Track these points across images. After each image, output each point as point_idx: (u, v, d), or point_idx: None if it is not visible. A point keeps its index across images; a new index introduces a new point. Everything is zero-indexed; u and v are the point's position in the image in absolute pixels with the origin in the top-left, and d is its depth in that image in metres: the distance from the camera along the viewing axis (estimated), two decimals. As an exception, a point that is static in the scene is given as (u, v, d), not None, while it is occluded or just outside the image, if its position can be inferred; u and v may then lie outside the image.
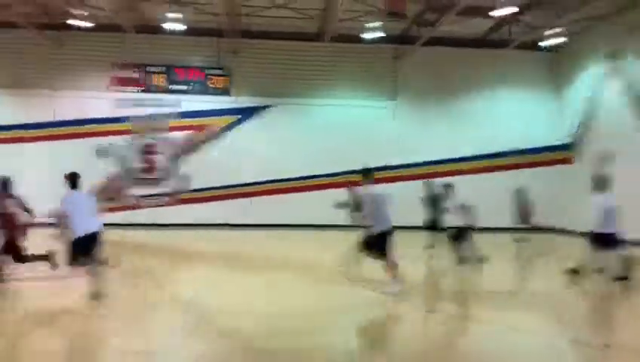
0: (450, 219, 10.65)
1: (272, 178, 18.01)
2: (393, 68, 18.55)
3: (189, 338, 5.83)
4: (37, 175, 16.75)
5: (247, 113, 18.20)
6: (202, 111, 18.02)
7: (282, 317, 6.65)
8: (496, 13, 14.41)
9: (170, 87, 17.78)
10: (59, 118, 17.28)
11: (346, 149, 17.68)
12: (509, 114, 18.66)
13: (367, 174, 8.07)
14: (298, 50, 18.14)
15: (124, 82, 17.56)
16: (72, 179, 7.48)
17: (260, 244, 14.46)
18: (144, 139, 17.75)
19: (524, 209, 12.98)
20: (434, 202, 11.65)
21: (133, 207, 17.61)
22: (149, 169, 17.83)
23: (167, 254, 12.82)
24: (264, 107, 18.22)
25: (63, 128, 17.27)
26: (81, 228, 7.13)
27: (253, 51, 18.04)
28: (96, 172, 17.16)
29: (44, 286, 8.22)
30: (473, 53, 18.45)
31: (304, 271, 10.12)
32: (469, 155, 18.37)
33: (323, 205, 16.85)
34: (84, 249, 7.13)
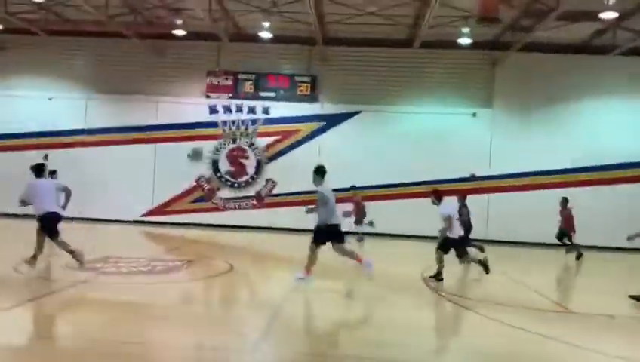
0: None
1: (357, 185, 17.97)
2: (488, 74, 17.91)
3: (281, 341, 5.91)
4: (138, 175, 17.92)
5: (333, 120, 18.32)
6: (289, 117, 18.37)
7: (367, 326, 6.58)
8: (602, 16, 13.50)
9: (259, 93, 18.28)
10: (161, 121, 18.29)
11: (434, 158, 17.29)
12: (613, 124, 17.41)
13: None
14: (387, 56, 18.00)
15: (218, 89, 18.28)
16: (37, 169, 9.16)
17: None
18: (234, 143, 18.38)
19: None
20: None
21: (220, 209, 18.28)
22: (237, 172, 18.44)
23: (257, 256, 13.16)
24: (351, 114, 18.24)
25: (162, 132, 18.25)
26: (40, 210, 8.74)
27: (341, 58, 18.15)
28: (189, 174, 18.15)
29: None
30: (574, 60, 17.40)
31: (390, 281, 9.96)
32: (569, 167, 17.36)
33: (408, 214, 16.83)
34: (45, 228, 8.76)
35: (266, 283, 10.09)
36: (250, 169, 18.45)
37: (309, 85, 18.23)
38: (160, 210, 18.29)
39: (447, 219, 9.46)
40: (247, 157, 18.45)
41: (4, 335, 5.66)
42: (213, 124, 18.35)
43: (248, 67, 18.31)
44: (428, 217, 11.13)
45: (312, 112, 18.34)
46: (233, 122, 18.38)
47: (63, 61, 18.48)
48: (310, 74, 18.29)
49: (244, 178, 18.46)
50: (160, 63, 18.31)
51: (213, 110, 18.33)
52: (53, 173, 11.05)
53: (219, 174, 18.41)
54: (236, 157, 18.46)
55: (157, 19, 16.53)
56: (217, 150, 18.43)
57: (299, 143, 18.31)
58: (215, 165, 18.42)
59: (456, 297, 8.60)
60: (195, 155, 18.22)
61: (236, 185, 18.47)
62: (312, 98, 18.24)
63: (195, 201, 18.35)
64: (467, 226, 11.86)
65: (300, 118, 18.33)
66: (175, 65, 18.36)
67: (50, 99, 18.26)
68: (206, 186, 18.36)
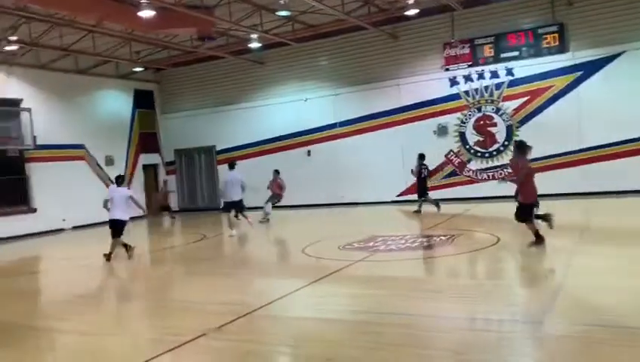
0: None
1: (621, 139, 15.79)
2: None
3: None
4: (387, 159, 18.72)
5: (588, 68, 16.32)
6: (535, 75, 16.96)
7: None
8: None
9: (500, 55, 17.31)
10: (404, 103, 18.74)
11: None
12: None
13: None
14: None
15: (456, 59, 17.90)
16: (117, 179, 11.63)
17: (611, 215, 12.87)
18: (479, 112, 17.82)
19: None
20: None
21: (474, 181, 17.93)
22: (486, 142, 17.83)
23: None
24: (611, 57, 16.01)
25: (407, 113, 18.69)
26: (111, 214, 11.04)
27: (589, -2, 16.08)
28: (438, 150, 18.23)
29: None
30: None
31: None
32: None
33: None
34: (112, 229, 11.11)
35: (537, 254, 9.54)
36: (501, 136, 17.65)
37: (555, 35, 16.54)
38: (414, 188, 18.76)
39: None
40: (495, 125, 17.69)
41: (307, 310, 6.49)
42: (456, 96, 18.04)
43: (485, 31, 17.49)
44: None
45: (563, 64, 16.61)
46: (476, 90, 17.79)
47: (311, 64, 20.29)
48: (555, 22, 16.60)
49: (495, 146, 17.74)
50: (396, 46, 18.72)
51: (453, 82, 18.02)
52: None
53: (467, 146, 18.06)
54: (483, 126, 17.85)
55: (389, 4, 16.92)
56: (463, 122, 18.09)
57: (552, 101, 16.79)
58: (462, 137, 18.12)
59: None
60: (441, 131, 18.20)
61: (487, 154, 17.87)
62: (560, 48, 16.51)
63: (447, 176, 18.34)
64: None
65: (550, 73, 16.76)
66: (411, 45, 18.55)
67: (305, 100, 20.25)
68: (455, 160, 18.20)
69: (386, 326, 5.50)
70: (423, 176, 16.07)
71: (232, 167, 14.66)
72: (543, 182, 16.46)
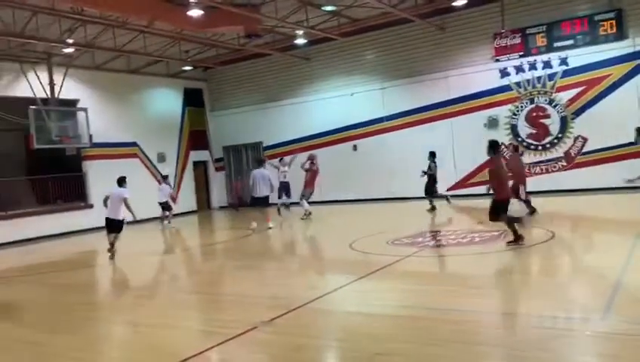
0: None
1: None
2: None
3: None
4: (438, 152, 18.40)
5: (649, 55, 15.55)
6: (593, 63, 16.27)
7: None
8: None
9: (554, 44, 16.71)
10: (453, 96, 18.38)
11: None
12: None
13: None
14: None
15: (506, 50, 17.39)
16: (119, 181, 11.77)
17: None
18: (532, 104, 17.28)
19: None
20: None
21: (527, 175, 17.39)
22: (540, 134, 17.28)
23: (578, 221, 12.18)
24: (673, 44, 15.22)
25: (456, 105, 18.33)
26: (107, 213, 11.58)
27: (651, -21, 15.29)
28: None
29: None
30: None
31: None
32: None
33: None
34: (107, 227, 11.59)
35: (594, 250, 9.19)
36: (554, 128, 17.05)
37: (613, 21, 15.81)
38: (463, 183, 18.42)
39: None
40: (548, 116, 17.10)
41: (356, 304, 6.48)
42: (507, 88, 17.54)
43: (537, 19, 16.91)
44: None
45: (622, 52, 15.87)
46: (528, 81, 17.24)
47: (357, 58, 20.17)
48: (613, 8, 15.88)
49: (548, 139, 17.15)
50: (444, 38, 18.36)
51: (504, 73, 17.51)
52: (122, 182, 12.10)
53: (520, 139, 17.53)
54: (536, 118, 17.28)
55: (436, -5, 16.64)
56: (514, 114, 17.57)
57: (610, 90, 16.08)
58: (514, 130, 17.61)
59: None
60: (492, 123, 17.75)
61: (540, 147, 17.31)
62: (618, 36, 15.78)
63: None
64: None
65: (607, 62, 16.04)
66: (459, 37, 18.15)
67: (352, 94, 20.16)
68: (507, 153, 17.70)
69: (436, 322, 5.42)
70: (431, 173, 15.85)
71: (260, 164, 15.22)
72: (601, 175, 16.03)
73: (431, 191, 15.89)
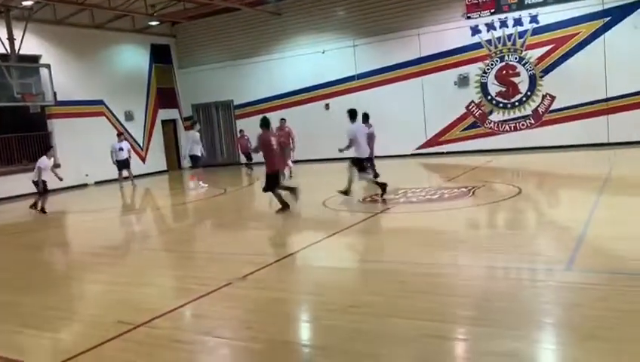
0: None
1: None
2: None
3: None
4: (407, 112, 18.50)
5: (621, 13, 15.70)
6: (564, 20, 16.41)
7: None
8: None
9: (525, 1, 16.73)
10: (424, 53, 18.33)
11: None
12: None
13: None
14: None
15: (478, 7, 17.35)
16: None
17: (636, 165, 12.67)
18: (501, 62, 17.39)
19: None
20: None
21: (495, 133, 17.69)
22: (508, 92, 17.47)
23: (544, 178, 12.49)
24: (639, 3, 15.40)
25: (427, 63, 18.32)
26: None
27: None
28: (458, 102, 17.94)
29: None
30: None
31: None
32: None
33: None
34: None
35: (559, 205, 9.49)
36: (523, 86, 17.26)
37: (584, -21, 15.92)
38: (434, 141, 18.61)
39: None
40: (518, 75, 17.29)
41: (329, 260, 6.59)
42: (478, 46, 17.60)
43: (510, -24, 16.88)
44: None
45: (590, 10, 16.04)
46: (498, 39, 17.32)
47: (329, 14, 19.84)
48: (584, -35, 15.93)
49: (518, 97, 17.39)
50: (417, -6, 18.19)
51: (475, 31, 17.54)
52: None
53: (489, 97, 17.72)
54: (506, 76, 17.45)
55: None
56: (484, 72, 17.69)
57: (578, 48, 16.30)
58: (484, 88, 17.76)
59: None
60: (462, 81, 17.85)
61: (509, 105, 17.55)
62: (588, -7, 15.93)
63: (467, 128, 18.10)
64: None
65: (577, 20, 16.21)
66: (431, -7, 18.02)
67: (323, 52, 19.92)
68: (477, 111, 17.91)
69: (408, 276, 5.56)
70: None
71: (192, 126, 16.04)
72: (568, 132, 16.39)
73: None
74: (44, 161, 12.72)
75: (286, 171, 14.31)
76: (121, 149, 17.08)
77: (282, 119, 15.75)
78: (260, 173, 12.20)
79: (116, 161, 16.98)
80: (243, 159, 19.22)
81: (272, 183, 9.83)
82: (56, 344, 4.68)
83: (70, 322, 5.27)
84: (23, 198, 16.36)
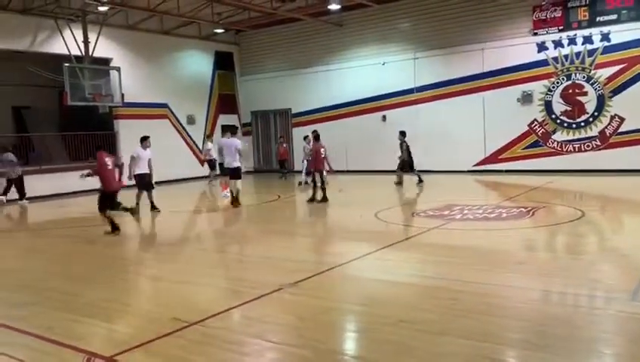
0: None
1: None
2: None
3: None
4: (467, 127, 18.17)
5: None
6: (634, 40, 15.72)
7: None
8: None
9: (596, 19, 16.15)
10: (487, 68, 17.99)
11: None
12: None
13: None
14: None
15: (546, 23, 16.88)
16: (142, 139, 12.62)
17: None
18: (568, 80, 16.82)
19: None
20: None
21: (558, 153, 17.11)
22: (574, 111, 16.86)
23: (609, 201, 11.98)
24: None
25: (489, 79, 17.95)
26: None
27: None
28: (520, 119, 17.47)
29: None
30: None
31: None
32: None
33: None
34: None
35: (625, 231, 9.06)
36: (590, 106, 16.62)
37: (660, -3, 15.23)
38: (493, 158, 18.18)
39: None
40: (585, 94, 16.65)
41: (381, 272, 6.55)
42: (543, 63, 17.09)
43: (582, -8, 16.35)
44: None
45: (668, 29, 15.31)
46: (566, 57, 16.76)
47: (391, 26, 19.80)
48: (663, -18, 15.24)
49: (584, 117, 16.75)
50: (482, 8, 17.85)
51: (541, 47, 17.04)
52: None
53: (553, 116, 17.16)
54: (572, 95, 16.86)
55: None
56: (549, 90, 17.16)
57: (652, 69, 15.58)
58: (548, 107, 17.22)
59: None
60: (526, 98, 17.38)
61: (574, 125, 16.92)
62: (665, 12, 15.20)
63: (528, 147, 17.59)
64: None
65: (651, 39, 15.52)
66: (497, 8, 17.66)
67: (383, 64, 19.89)
68: (539, 130, 17.37)
69: (460, 294, 5.44)
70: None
71: (234, 133, 13.53)
72: (636, 155, 15.61)
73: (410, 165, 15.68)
74: (140, 151, 12.58)
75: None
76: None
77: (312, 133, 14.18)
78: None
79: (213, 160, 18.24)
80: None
81: (102, 203, 9.76)
82: (113, 335, 4.86)
83: (127, 315, 5.46)
84: (87, 194, 17.11)
